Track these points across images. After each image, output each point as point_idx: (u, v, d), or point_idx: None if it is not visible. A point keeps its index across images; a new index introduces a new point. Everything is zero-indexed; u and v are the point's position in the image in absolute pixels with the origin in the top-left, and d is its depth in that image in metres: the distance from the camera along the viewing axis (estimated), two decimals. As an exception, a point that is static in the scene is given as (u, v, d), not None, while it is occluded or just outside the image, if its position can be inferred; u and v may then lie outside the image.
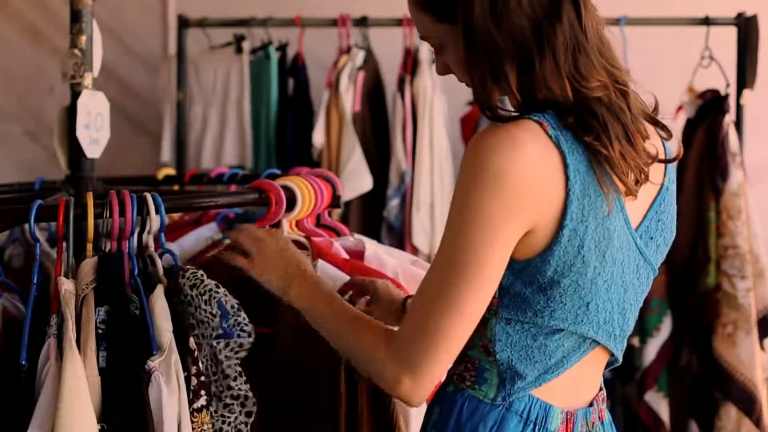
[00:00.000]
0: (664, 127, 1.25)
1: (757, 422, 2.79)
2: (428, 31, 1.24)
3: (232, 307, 1.33)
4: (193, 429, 1.25)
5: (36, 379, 1.22)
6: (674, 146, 1.28)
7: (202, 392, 1.27)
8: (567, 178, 1.13)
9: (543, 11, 1.14)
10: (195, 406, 1.26)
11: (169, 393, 1.22)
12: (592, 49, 1.16)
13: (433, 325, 1.12)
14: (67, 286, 1.28)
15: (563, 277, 1.15)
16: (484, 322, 1.20)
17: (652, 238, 1.23)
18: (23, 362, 1.23)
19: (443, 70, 1.27)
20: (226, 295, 1.34)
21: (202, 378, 1.28)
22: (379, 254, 1.63)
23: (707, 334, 2.88)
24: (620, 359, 1.27)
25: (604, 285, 1.18)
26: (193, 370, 1.27)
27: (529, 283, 1.16)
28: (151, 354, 1.24)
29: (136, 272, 1.33)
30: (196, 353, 1.29)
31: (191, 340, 1.29)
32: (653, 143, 1.21)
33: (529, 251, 1.15)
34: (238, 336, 1.32)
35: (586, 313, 1.18)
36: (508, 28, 1.14)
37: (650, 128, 1.23)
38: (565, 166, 1.13)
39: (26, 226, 1.38)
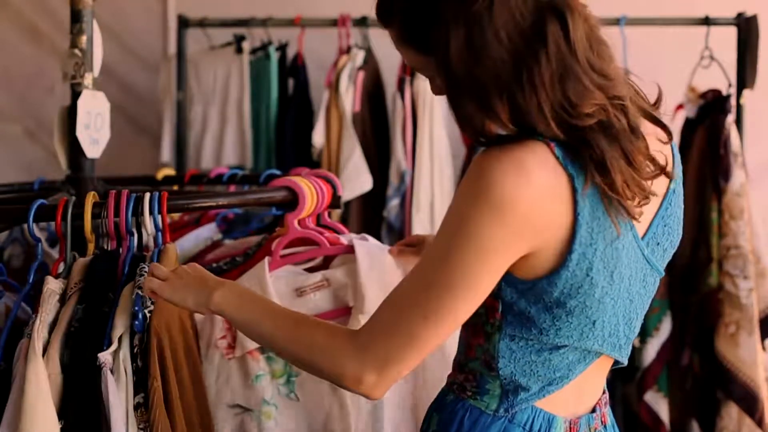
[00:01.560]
0: (664, 127, 1.21)
1: (760, 422, 2.78)
2: (415, 63, 1.20)
3: (149, 311, 1.29)
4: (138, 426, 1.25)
5: (12, 378, 1.23)
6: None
7: (140, 389, 1.26)
8: (575, 202, 1.09)
9: (525, 40, 1.07)
10: (134, 402, 1.25)
11: (118, 388, 1.22)
12: (583, 68, 1.08)
13: (408, 331, 1.10)
14: (50, 285, 1.28)
15: (570, 299, 1.13)
16: (487, 337, 1.19)
17: (658, 244, 1.21)
18: (1, 362, 1.24)
19: (439, 91, 1.22)
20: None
21: (141, 375, 1.28)
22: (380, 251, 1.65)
23: (709, 334, 2.88)
24: (626, 362, 1.25)
25: (611, 302, 1.16)
26: (133, 366, 1.26)
27: (534, 302, 1.14)
28: (103, 349, 1.24)
29: (126, 271, 1.33)
30: (136, 350, 1.28)
31: (137, 337, 1.28)
32: (660, 149, 1.17)
33: (534, 272, 1.12)
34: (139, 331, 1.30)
35: (592, 329, 1.16)
36: (489, 64, 1.07)
37: (655, 131, 1.19)
38: (574, 190, 1.09)
39: (26, 226, 1.38)
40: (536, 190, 1.07)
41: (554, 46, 1.07)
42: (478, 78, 1.08)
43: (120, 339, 1.26)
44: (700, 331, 2.92)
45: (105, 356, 1.23)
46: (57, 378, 1.22)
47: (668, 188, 1.21)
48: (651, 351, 2.92)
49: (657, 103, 1.22)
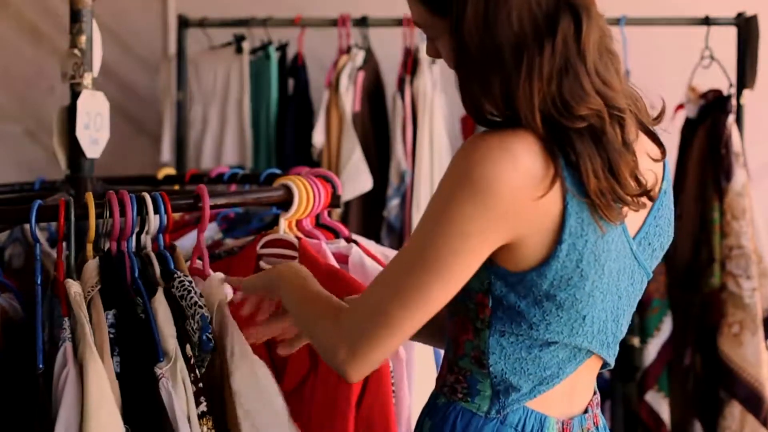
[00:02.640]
0: (660, 145, 1.21)
1: (765, 422, 2.79)
2: (422, 20, 1.18)
3: (210, 321, 1.31)
4: None
5: (53, 383, 1.21)
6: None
7: (202, 398, 1.27)
8: (564, 191, 1.08)
9: (535, 28, 1.07)
10: (197, 411, 1.26)
11: (177, 398, 1.22)
12: (588, 70, 1.08)
13: (383, 310, 1.11)
14: (75, 288, 1.27)
15: (560, 291, 1.12)
16: (477, 333, 1.18)
17: (650, 244, 1.21)
18: (41, 366, 1.22)
19: (433, 53, 1.21)
20: (207, 309, 1.32)
21: (200, 384, 1.28)
22: (363, 261, 1.60)
23: (712, 334, 2.88)
24: (613, 364, 1.25)
25: (600, 296, 1.15)
26: (191, 377, 1.27)
27: (524, 296, 1.13)
28: (158, 360, 1.24)
29: (136, 274, 1.33)
30: (192, 360, 1.28)
31: (188, 347, 1.28)
32: (650, 168, 1.17)
33: (523, 264, 1.12)
34: (211, 350, 1.31)
35: (582, 325, 1.16)
36: (496, 41, 1.08)
37: (649, 150, 1.18)
38: (563, 179, 1.08)
39: (26, 226, 1.37)
40: (521, 175, 1.06)
41: (562, 41, 1.07)
42: (485, 50, 1.09)
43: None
44: (703, 331, 2.92)
45: (162, 369, 1.23)
46: (114, 384, 1.21)
47: (660, 189, 1.20)
48: (652, 351, 2.92)
49: (659, 117, 1.22)
